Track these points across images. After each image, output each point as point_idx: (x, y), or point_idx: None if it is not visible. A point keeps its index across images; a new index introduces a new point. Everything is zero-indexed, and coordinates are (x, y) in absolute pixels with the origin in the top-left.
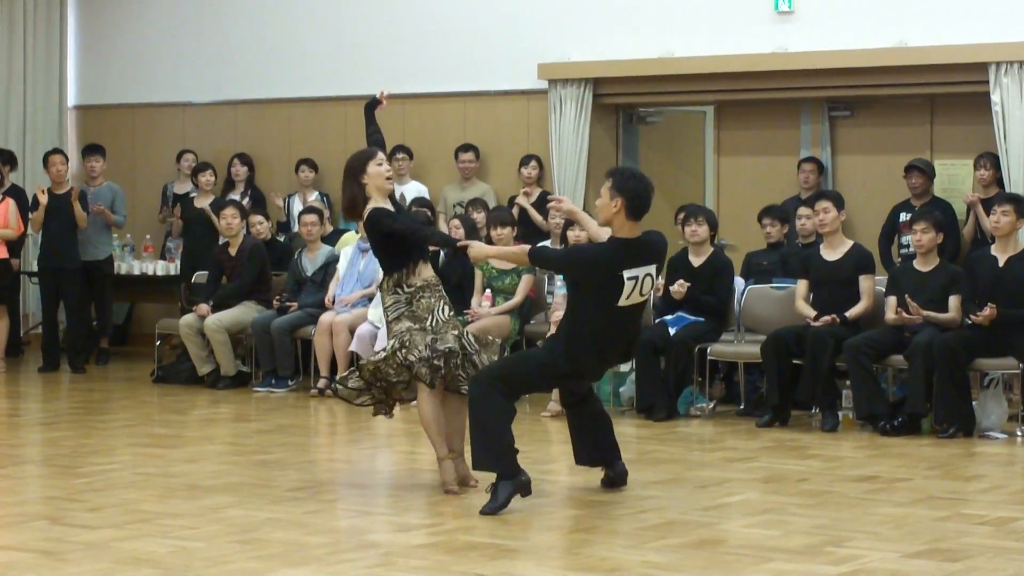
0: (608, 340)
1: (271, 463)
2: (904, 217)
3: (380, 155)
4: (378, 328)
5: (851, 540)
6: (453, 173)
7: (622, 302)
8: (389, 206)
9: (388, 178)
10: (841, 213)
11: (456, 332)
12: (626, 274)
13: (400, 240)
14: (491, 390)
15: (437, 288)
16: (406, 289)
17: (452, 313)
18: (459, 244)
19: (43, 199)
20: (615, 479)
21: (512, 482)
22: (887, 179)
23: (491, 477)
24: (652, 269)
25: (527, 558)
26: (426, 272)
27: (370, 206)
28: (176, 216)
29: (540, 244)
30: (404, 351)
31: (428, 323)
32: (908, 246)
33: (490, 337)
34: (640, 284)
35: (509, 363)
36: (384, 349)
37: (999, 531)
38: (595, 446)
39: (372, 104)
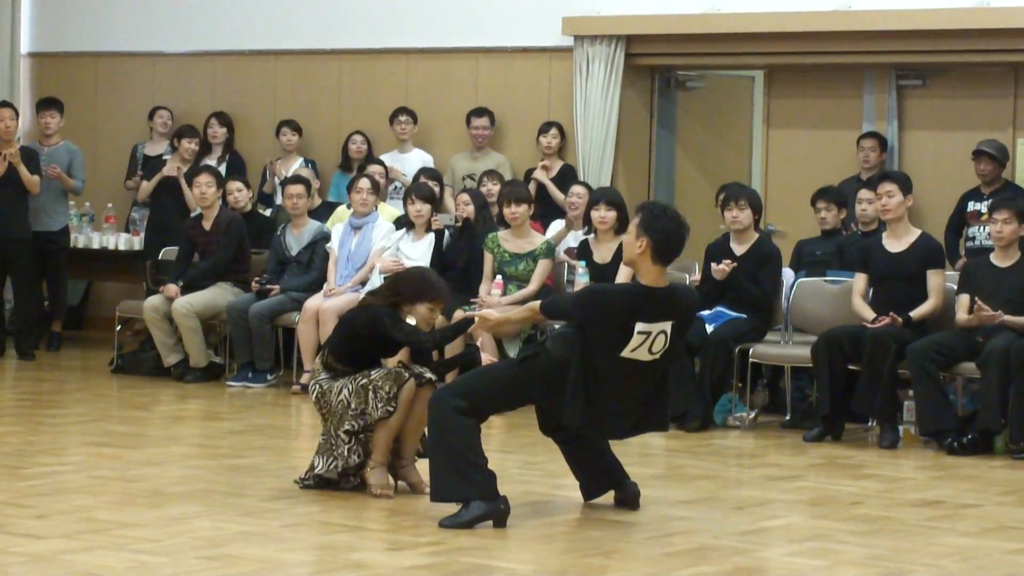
0: (602, 389)
1: (245, 468)
2: (973, 206)
3: (439, 301)
4: None
5: (910, 573)
6: (463, 140)
7: (626, 353)
8: None
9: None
10: (908, 198)
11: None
12: (638, 327)
13: (381, 349)
14: (454, 410)
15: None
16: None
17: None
18: (469, 321)
19: (1, 166)
20: (626, 500)
21: (487, 504)
22: (962, 159)
23: None
24: (668, 326)
25: None
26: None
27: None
28: (137, 176)
29: (551, 297)
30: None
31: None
32: (975, 239)
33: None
34: (651, 341)
35: (470, 380)
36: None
37: None
38: (595, 473)
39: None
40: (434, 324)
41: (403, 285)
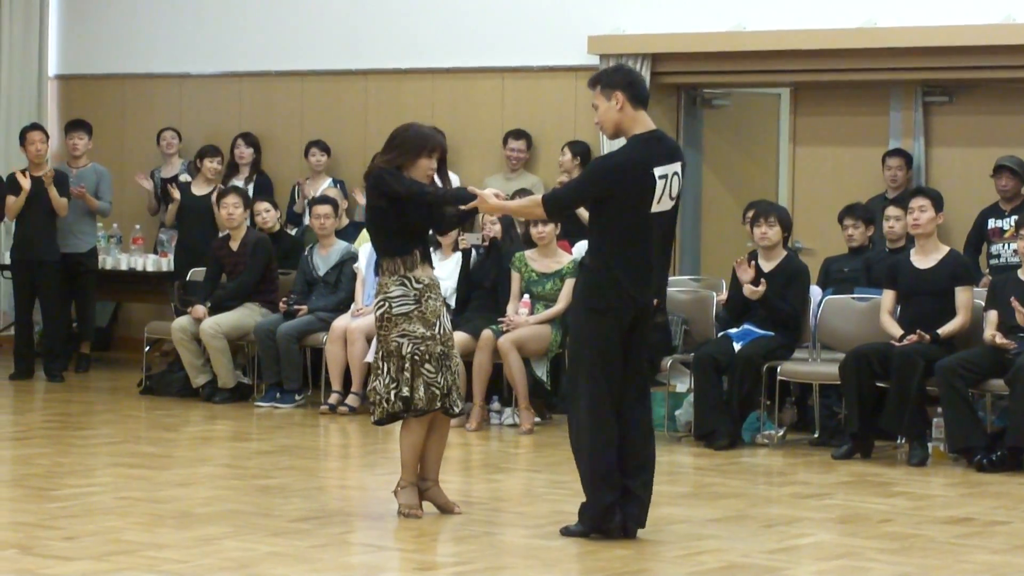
0: (638, 251)
1: (274, 489)
2: (994, 223)
3: (439, 151)
4: None
5: None
6: (490, 159)
7: (655, 207)
8: None
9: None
10: (939, 215)
11: (456, 349)
12: (657, 171)
13: (402, 216)
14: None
15: (440, 293)
16: (414, 284)
17: (450, 326)
18: (470, 196)
19: (25, 183)
20: (626, 524)
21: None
22: (989, 176)
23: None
24: (678, 168)
25: None
26: (430, 271)
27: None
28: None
29: (551, 191)
30: (417, 362)
31: (437, 330)
32: (999, 256)
33: None
34: (669, 184)
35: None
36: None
37: None
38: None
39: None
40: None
41: (398, 142)
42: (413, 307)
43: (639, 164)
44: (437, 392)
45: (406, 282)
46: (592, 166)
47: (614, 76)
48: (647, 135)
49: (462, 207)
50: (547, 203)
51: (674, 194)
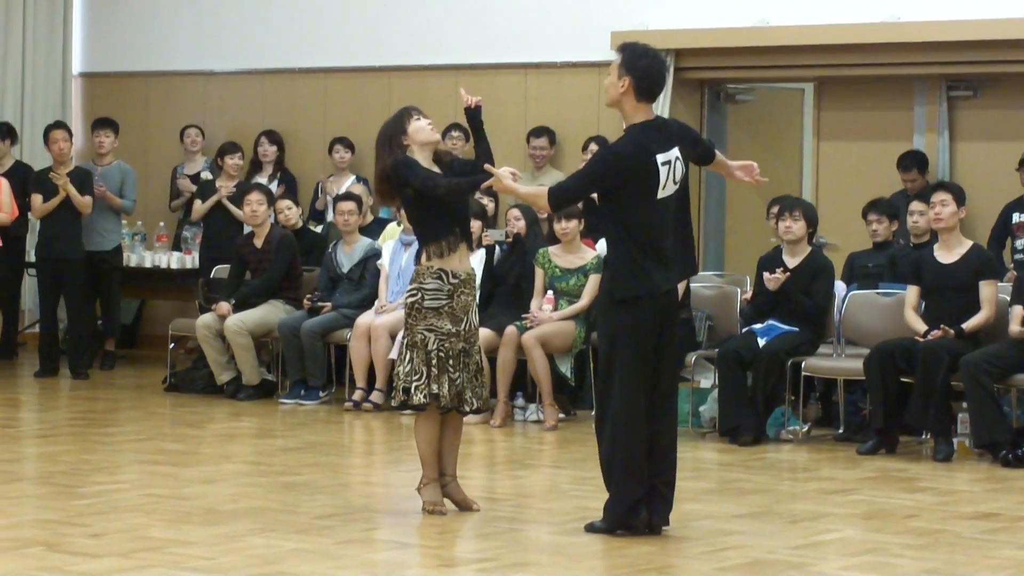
0: (654, 238)
1: (298, 486)
2: (1019, 218)
3: (415, 110)
4: None
5: None
6: (514, 156)
7: (660, 194)
8: (435, 168)
9: (433, 129)
10: (961, 209)
11: (479, 346)
12: (659, 159)
13: (433, 199)
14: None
15: (474, 286)
16: (450, 278)
17: (478, 321)
18: (486, 175)
19: (63, 184)
20: (652, 520)
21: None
22: (1014, 170)
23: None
24: (678, 152)
25: None
26: (467, 263)
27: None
28: (184, 191)
29: (556, 185)
30: (443, 359)
31: (463, 327)
32: (1023, 250)
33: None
34: (672, 169)
35: (615, 375)
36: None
37: None
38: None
39: (473, 114)
40: (436, 130)
41: (381, 136)
42: (445, 303)
43: (640, 153)
44: (456, 391)
45: (443, 276)
46: (594, 158)
47: (635, 61)
48: (645, 123)
49: (479, 187)
50: (552, 195)
51: (678, 179)
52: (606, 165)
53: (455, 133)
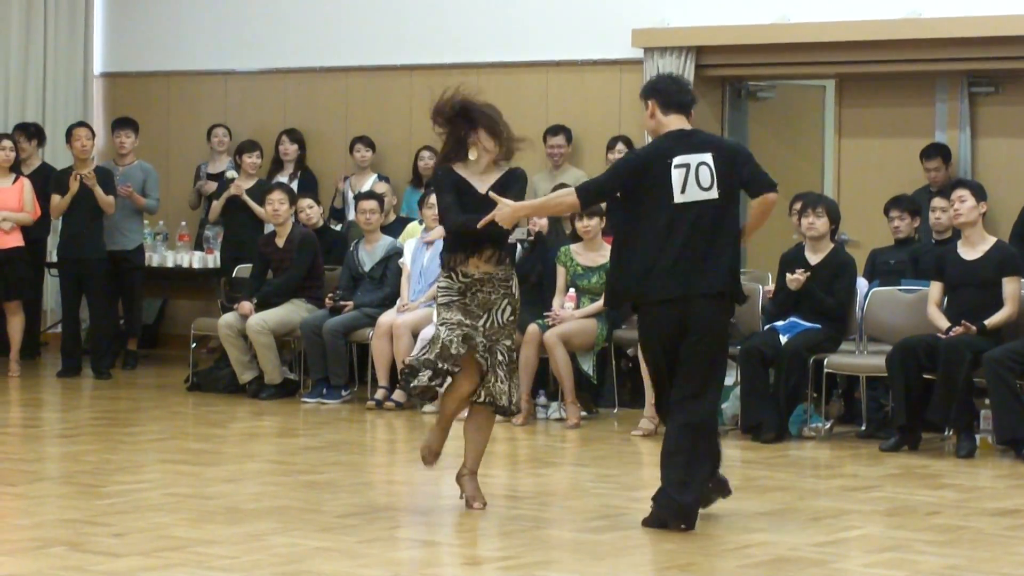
0: (663, 242)
1: (321, 485)
2: None
3: (479, 124)
4: None
5: None
6: (536, 154)
7: (678, 198)
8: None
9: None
10: (981, 204)
11: (509, 343)
12: (675, 161)
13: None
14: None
15: (505, 285)
16: (460, 278)
17: (514, 319)
18: (480, 222)
19: (74, 186)
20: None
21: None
22: None
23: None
24: (708, 158)
25: None
26: (488, 265)
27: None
28: (203, 192)
29: (584, 183)
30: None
31: (482, 322)
32: None
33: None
34: (695, 173)
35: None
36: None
37: None
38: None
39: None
40: (496, 148)
41: (476, 112)
42: (456, 299)
43: (655, 154)
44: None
45: (452, 275)
46: (618, 161)
47: (648, 85)
48: (675, 132)
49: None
50: (581, 192)
51: (705, 184)
52: (626, 163)
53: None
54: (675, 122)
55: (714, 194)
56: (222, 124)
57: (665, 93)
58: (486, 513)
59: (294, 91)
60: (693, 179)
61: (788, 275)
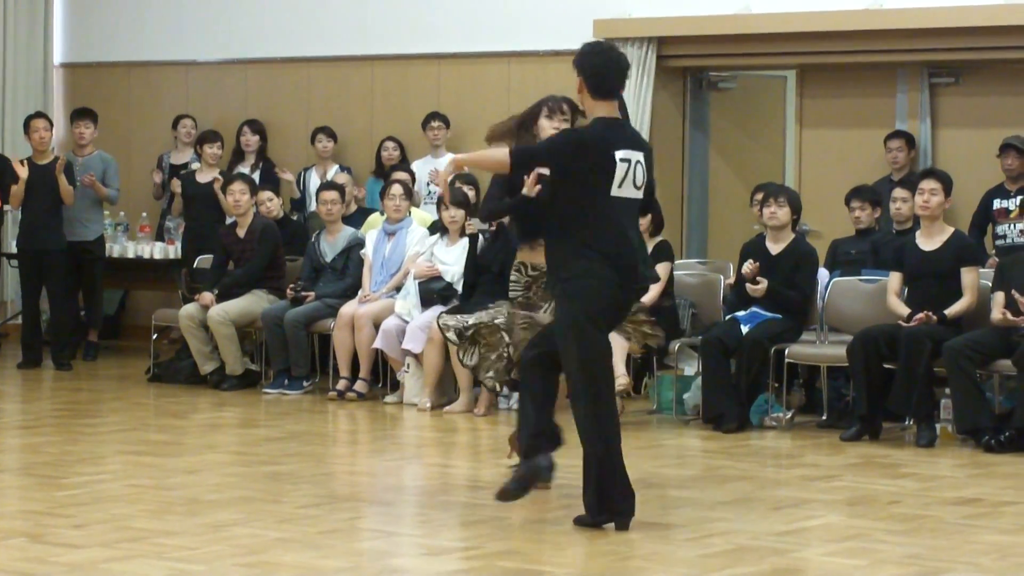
0: (599, 234)
1: (282, 475)
2: (1000, 204)
3: (552, 103)
4: (407, 322)
5: (949, 571)
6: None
7: (615, 191)
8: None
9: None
10: (948, 200)
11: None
12: (618, 155)
13: (533, 204)
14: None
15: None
16: (528, 271)
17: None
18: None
19: (22, 172)
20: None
21: (527, 464)
22: (996, 157)
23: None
24: (641, 157)
25: None
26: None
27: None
28: (175, 191)
29: (521, 146)
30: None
31: (544, 311)
32: (1006, 236)
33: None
34: (632, 171)
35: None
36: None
37: None
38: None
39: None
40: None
41: (526, 111)
42: (520, 293)
43: (600, 144)
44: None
45: (521, 268)
46: (556, 136)
47: (584, 60)
48: (611, 119)
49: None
50: (514, 154)
51: (639, 182)
52: (566, 140)
53: (435, 123)
54: (603, 108)
55: (640, 195)
56: (189, 115)
57: (598, 78)
58: (447, 503)
59: (255, 82)
60: (631, 176)
61: (749, 285)
